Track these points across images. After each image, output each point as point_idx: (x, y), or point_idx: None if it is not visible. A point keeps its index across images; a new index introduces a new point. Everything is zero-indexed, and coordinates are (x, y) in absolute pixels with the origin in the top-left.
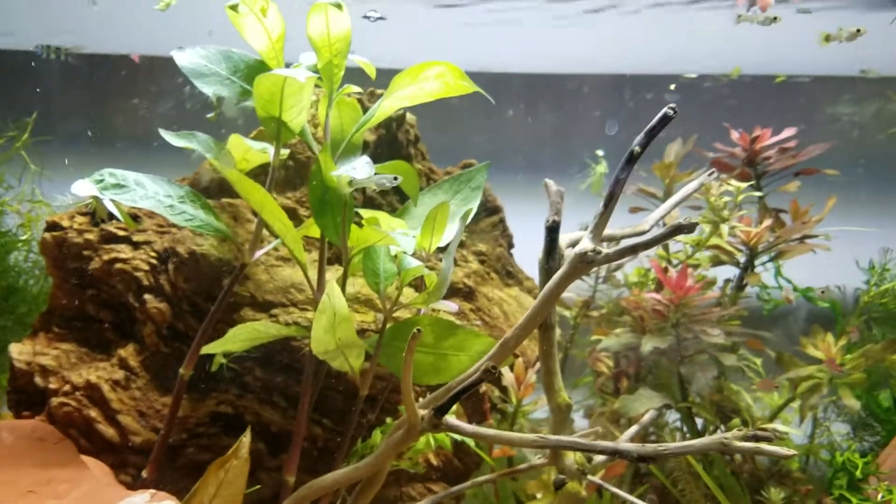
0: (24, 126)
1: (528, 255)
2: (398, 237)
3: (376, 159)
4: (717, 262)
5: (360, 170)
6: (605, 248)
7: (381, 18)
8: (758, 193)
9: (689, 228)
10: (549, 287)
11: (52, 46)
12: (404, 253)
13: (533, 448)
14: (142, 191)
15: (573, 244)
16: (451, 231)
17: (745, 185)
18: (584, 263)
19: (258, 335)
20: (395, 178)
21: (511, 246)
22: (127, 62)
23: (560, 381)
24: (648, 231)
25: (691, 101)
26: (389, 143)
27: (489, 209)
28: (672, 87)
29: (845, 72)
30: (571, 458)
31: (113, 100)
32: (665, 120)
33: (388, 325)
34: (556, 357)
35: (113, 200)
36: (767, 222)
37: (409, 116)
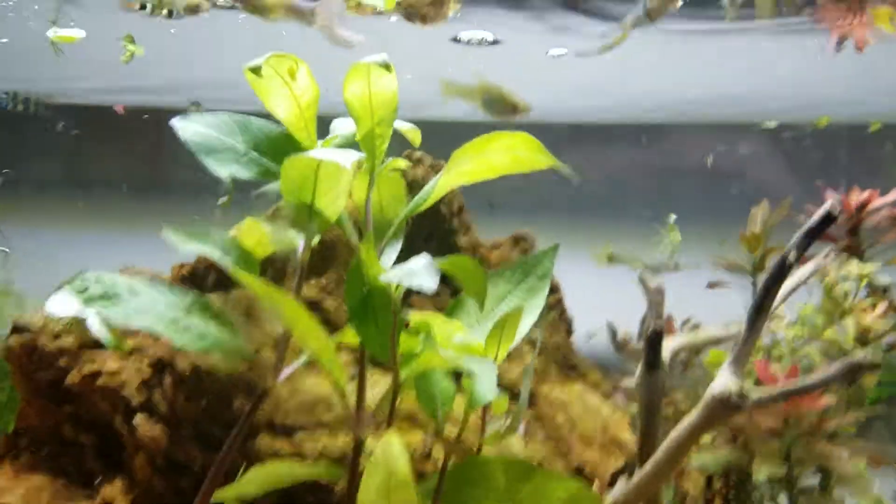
0: None
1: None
2: (474, 368)
3: (415, 234)
4: (830, 356)
5: (419, 277)
6: (756, 390)
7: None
8: (867, 269)
9: (870, 367)
10: (681, 437)
11: (21, 96)
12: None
13: None
14: (136, 301)
15: (677, 353)
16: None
17: (870, 268)
18: (727, 410)
19: (279, 479)
20: None
21: (570, 332)
22: (110, 113)
23: None
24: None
25: (772, 153)
26: (430, 215)
27: None
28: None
29: None
30: None
31: (95, 153)
32: (828, 220)
33: (448, 467)
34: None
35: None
36: (882, 307)
37: None
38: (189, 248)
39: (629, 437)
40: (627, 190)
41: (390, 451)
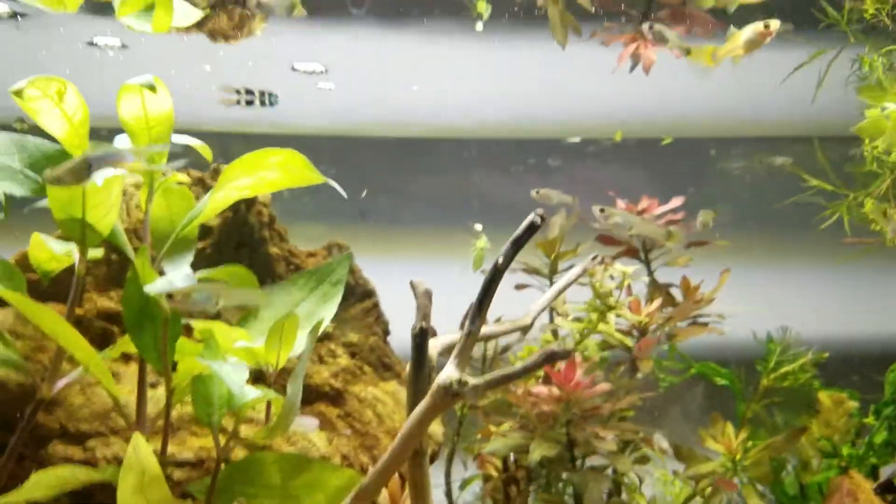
0: None
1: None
2: (225, 372)
3: (223, 247)
4: (606, 347)
5: (178, 281)
6: (472, 379)
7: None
8: (638, 274)
9: (563, 355)
10: (412, 424)
11: None
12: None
13: None
14: None
15: (447, 350)
16: (301, 340)
17: (630, 269)
18: (448, 397)
19: (65, 482)
20: None
21: (387, 333)
22: None
23: None
24: (531, 325)
25: (575, 167)
26: (239, 226)
27: (360, 293)
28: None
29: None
30: None
31: None
32: (532, 229)
33: (222, 466)
34: (429, 489)
35: None
36: (657, 302)
37: (262, 196)
38: None
39: (438, 429)
40: (454, 201)
41: (139, 451)
